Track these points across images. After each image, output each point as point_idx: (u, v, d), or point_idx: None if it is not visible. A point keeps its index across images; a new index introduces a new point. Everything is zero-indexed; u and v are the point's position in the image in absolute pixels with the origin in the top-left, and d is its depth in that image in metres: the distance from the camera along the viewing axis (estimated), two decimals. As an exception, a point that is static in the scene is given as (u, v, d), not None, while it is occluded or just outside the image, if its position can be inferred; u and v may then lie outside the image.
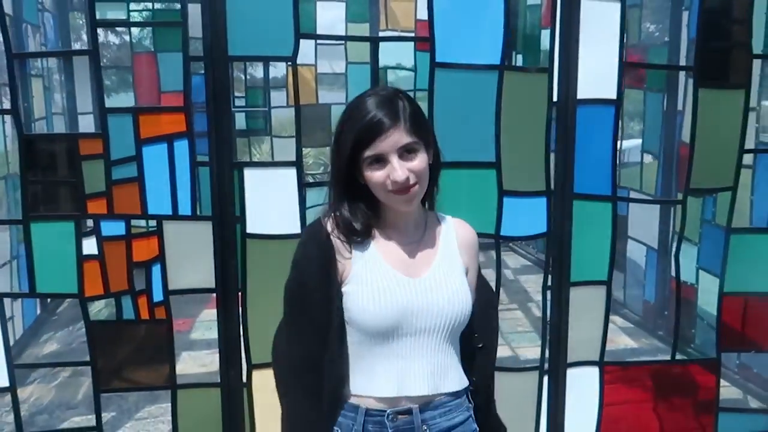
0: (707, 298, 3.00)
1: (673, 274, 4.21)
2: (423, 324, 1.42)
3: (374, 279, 1.44)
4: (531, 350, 4.09)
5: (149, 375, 2.59)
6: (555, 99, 2.61)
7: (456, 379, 1.48)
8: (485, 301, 1.57)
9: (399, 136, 1.37)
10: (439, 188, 1.57)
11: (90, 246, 2.41)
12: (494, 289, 1.65)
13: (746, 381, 3.70)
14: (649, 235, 4.59)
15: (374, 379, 1.44)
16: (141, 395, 3.69)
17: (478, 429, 1.52)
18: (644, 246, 4.65)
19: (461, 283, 1.47)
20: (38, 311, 4.96)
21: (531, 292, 5.54)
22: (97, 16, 5.65)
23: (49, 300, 5.22)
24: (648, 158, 4.82)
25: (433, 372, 1.43)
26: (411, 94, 2.56)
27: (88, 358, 2.47)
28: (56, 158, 2.43)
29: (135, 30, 6.91)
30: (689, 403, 3.04)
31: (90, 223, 2.44)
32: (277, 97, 6.95)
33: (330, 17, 7.00)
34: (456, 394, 1.47)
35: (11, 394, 2.45)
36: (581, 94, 2.61)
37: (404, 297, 1.42)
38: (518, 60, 6.36)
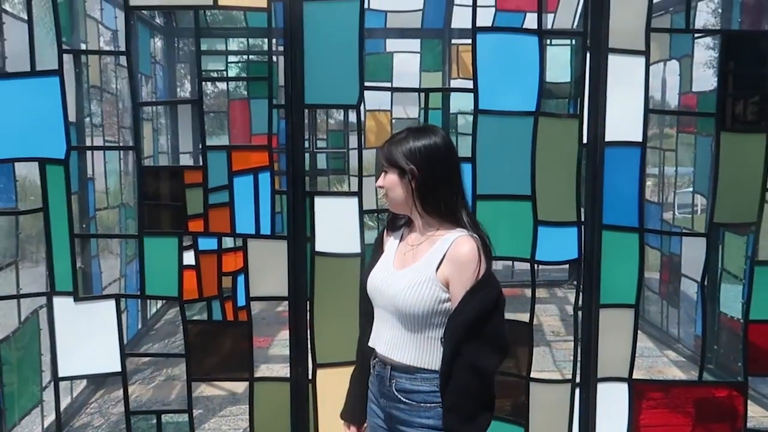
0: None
1: (719, 306, 4.43)
2: (385, 302, 1.91)
3: (380, 260, 2.02)
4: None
5: (231, 368, 3.06)
6: (585, 141, 2.97)
7: (408, 356, 1.87)
8: (452, 319, 1.82)
9: (381, 158, 1.93)
10: (439, 209, 1.88)
11: (189, 258, 2.94)
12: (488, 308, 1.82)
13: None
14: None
15: (372, 332, 2.00)
16: (224, 397, 4.19)
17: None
18: (696, 283, 4.82)
19: (419, 284, 1.83)
20: (139, 326, 5.61)
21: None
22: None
23: (149, 316, 5.88)
24: (700, 200, 5.03)
25: (390, 341, 1.91)
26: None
27: (180, 367, 2.97)
28: (165, 186, 2.98)
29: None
30: (719, 424, 3.24)
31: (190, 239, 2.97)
32: (356, 140, 7.54)
33: (407, 66, 7.58)
34: (417, 369, 1.87)
35: (122, 378, 2.99)
36: (609, 137, 2.95)
37: (379, 279, 1.95)
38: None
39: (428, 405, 1.86)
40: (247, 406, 3.04)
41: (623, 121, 2.98)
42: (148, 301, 5.79)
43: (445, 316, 1.85)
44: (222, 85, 8.46)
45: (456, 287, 1.82)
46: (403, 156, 1.87)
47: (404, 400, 1.89)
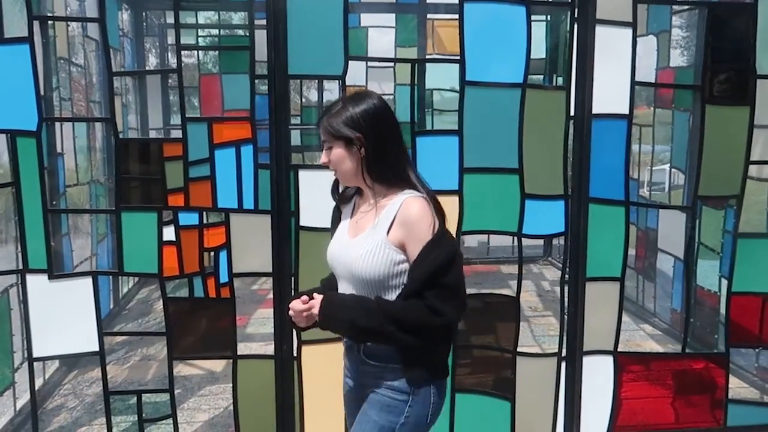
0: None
1: (696, 280, 4.48)
2: (344, 271, 1.89)
3: (336, 231, 2.01)
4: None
5: (214, 346, 2.99)
6: (572, 113, 2.94)
7: None
8: (409, 273, 1.81)
9: (321, 133, 1.89)
10: (387, 175, 1.85)
11: (169, 233, 2.86)
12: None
13: (765, 383, 3.90)
14: (677, 248, 4.80)
15: None
16: (202, 377, 4.12)
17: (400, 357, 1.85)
18: (672, 257, 4.88)
19: (372, 249, 1.81)
20: (111, 306, 5.48)
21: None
22: (170, 41, 6.25)
23: (121, 296, 5.75)
24: (676, 175, 5.07)
25: None
26: (455, 113, 2.93)
27: (155, 347, 2.88)
28: (144, 159, 2.88)
29: (201, 54, 7.51)
30: (701, 395, 3.29)
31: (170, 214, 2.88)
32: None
33: (382, 42, 7.49)
34: None
35: (100, 357, 2.90)
36: (596, 110, 2.93)
37: (336, 249, 1.95)
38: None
39: (395, 366, 1.85)
40: (226, 385, 2.99)
41: (610, 93, 2.96)
42: (120, 280, 5.66)
43: (403, 278, 1.82)
44: (192, 60, 8.26)
45: (412, 246, 1.79)
46: (346, 125, 1.83)
47: (371, 362, 1.88)
